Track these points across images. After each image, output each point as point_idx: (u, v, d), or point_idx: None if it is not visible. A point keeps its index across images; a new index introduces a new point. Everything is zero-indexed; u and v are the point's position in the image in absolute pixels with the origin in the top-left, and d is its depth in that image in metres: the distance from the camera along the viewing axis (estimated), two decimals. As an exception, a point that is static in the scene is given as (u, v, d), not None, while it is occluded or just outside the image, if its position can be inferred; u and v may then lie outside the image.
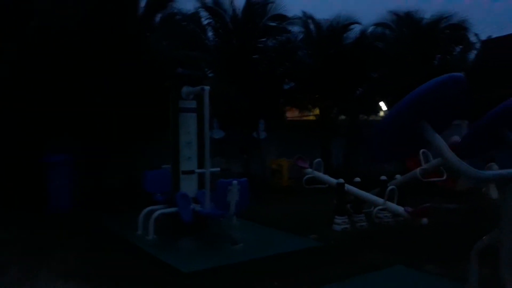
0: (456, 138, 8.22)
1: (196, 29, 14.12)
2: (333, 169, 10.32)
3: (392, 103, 17.35)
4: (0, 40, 9.81)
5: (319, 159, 9.53)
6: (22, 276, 5.91)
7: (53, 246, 7.24)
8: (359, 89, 16.69)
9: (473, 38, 17.10)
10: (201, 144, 7.90)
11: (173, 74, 8.49)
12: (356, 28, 15.92)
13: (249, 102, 13.13)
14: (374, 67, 16.30)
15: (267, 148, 14.80)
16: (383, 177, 9.09)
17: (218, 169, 8.00)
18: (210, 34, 14.87)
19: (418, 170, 8.79)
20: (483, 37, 17.59)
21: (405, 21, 16.45)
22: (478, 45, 17.43)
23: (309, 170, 9.39)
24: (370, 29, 16.05)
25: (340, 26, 15.69)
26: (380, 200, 8.26)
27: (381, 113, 19.03)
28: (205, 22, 14.60)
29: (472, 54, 17.48)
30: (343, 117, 16.82)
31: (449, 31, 16.63)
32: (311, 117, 16.48)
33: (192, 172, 7.81)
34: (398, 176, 9.40)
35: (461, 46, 17.14)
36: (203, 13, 14.45)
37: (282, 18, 15.04)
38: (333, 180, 8.86)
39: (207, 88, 7.57)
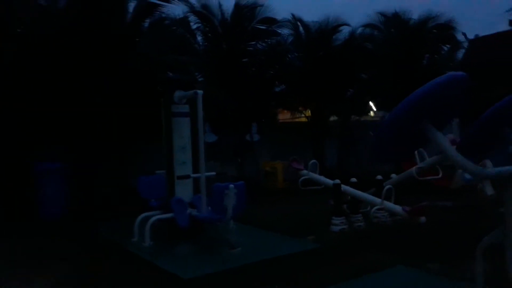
0: (452, 137, 8.25)
1: (185, 33, 14.06)
2: (326, 170, 10.30)
3: (382, 104, 17.48)
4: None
5: (314, 161, 9.51)
6: (19, 285, 5.78)
7: (47, 255, 7.10)
8: (350, 90, 16.73)
9: (460, 37, 17.26)
10: (195, 148, 7.84)
11: (165, 79, 8.43)
12: (345, 30, 16.00)
13: (240, 105, 13.09)
14: (363, 68, 16.36)
15: (260, 151, 14.76)
16: (379, 177, 9.08)
17: (214, 173, 7.92)
18: (199, 38, 14.84)
19: (414, 169, 8.79)
20: (471, 36, 17.72)
21: (393, 21, 16.57)
22: (465, 44, 17.58)
23: (305, 171, 9.36)
24: (359, 30, 16.13)
25: (329, 28, 15.74)
26: (378, 200, 8.24)
27: (372, 114, 19.13)
28: (194, 26, 14.56)
29: (460, 53, 17.63)
30: (335, 118, 16.84)
31: (437, 31, 16.75)
32: (303, 119, 16.46)
33: (187, 176, 7.73)
34: (393, 175, 9.39)
35: (449, 46, 17.28)
36: (192, 18, 14.41)
37: (271, 21, 15.04)
38: (329, 181, 8.83)
39: (200, 92, 7.51)
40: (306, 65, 15.50)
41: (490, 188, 9.96)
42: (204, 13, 14.32)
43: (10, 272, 6.29)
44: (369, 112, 18.74)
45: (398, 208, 7.93)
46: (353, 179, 8.94)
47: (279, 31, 15.41)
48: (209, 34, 14.69)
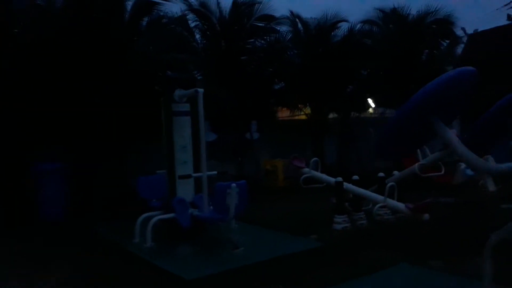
0: (454, 131, 8.20)
1: (184, 32, 13.94)
2: (326, 168, 10.24)
3: (381, 100, 17.43)
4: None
5: (316, 158, 9.45)
6: (19, 286, 5.73)
7: (47, 256, 7.05)
8: (349, 86, 16.66)
9: (459, 32, 17.22)
10: (196, 147, 7.78)
11: (165, 77, 8.35)
12: (344, 26, 15.89)
13: (240, 104, 13.02)
14: (363, 65, 16.29)
15: (260, 149, 14.71)
16: (381, 174, 9.03)
17: (215, 172, 7.86)
18: (197, 36, 14.71)
19: (416, 165, 8.74)
20: (470, 30, 17.69)
21: (392, 17, 16.51)
22: (465, 39, 17.54)
23: (306, 169, 9.30)
24: (358, 26, 16.04)
25: (328, 25, 15.61)
26: (380, 197, 8.19)
27: (370, 110, 19.08)
28: (193, 24, 14.42)
29: (460, 49, 17.59)
30: (335, 115, 16.77)
31: (436, 26, 16.69)
32: (302, 117, 16.40)
33: (189, 176, 7.66)
34: (396, 172, 9.34)
35: (447, 41, 17.23)
36: (190, 16, 14.28)
37: (269, 18, 14.92)
38: (331, 179, 8.78)
39: (201, 90, 7.45)
40: (305, 62, 15.40)
41: (492, 184, 9.97)
42: (202, 11, 14.21)
43: (10, 273, 6.25)
44: (368, 109, 18.68)
45: (401, 205, 7.87)
46: (355, 177, 8.88)
47: (278, 28, 15.28)
48: (208, 32, 14.58)
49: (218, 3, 14.39)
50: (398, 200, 8.14)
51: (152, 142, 10.72)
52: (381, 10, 16.47)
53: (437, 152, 8.92)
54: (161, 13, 12.53)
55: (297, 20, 15.67)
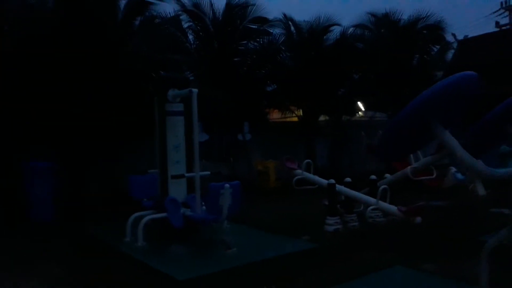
0: None
1: (177, 32, 13.92)
2: (318, 170, 10.25)
3: (372, 104, 17.53)
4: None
5: (309, 160, 9.47)
6: (9, 286, 5.65)
7: (39, 257, 6.95)
8: (341, 90, 16.73)
9: (450, 38, 17.40)
10: (189, 147, 7.74)
11: (158, 77, 8.31)
12: (336, 30, 15.96)
13: (232, 105, 13.00)
14: (354, 68, 16.38)
15: (251, 150, 14.69)
16: (373, 177, 9.06)
17: (208, 172, 7.84)
18: (190, 37, 14.69)
19: (409, 168, 8.79)
20: (460, 36, 17.89)
21: (383, 22, 16.63)
22: (455, 45, 17.72)
23: (299, 171, 9.31)
24: (350, 30, 16.12)
25: (320, 28, 15.68)
26: (373, 199, 8.22)
27: (360, 114, 19.16)
28: (186, 25, 14.41)
29: (450, 54, 17.76)
30: (326, 117, 16.82)
31: (427, 32, 16.87)
32: (294, 119, 16.42)
33: (182, 176, 7.62)
34: (387, 175, 9.39)
35: (438, 46, 17.41)
36: (183, 17, 14.26)
37: (262, 20, 14.95)
38: (324, 181, 8.79)
39: (195, 90, 7.43)
40: (298, 65, 15.45)
41: (482, 188, 10.05)
42: (196, 12, 14.19)
43: (4, 275, 6.13)
44: (358, 112, 18.75)
45: (393, 208, 7.91)
46: (348, 179, 8.90)
47: (271, 31, 15.34)
48: (201, 33, 14.57)
49: (212, 4, 14.43)
50: (390, 203, 8.18)
51: (144, 142, 10.70)
52: (373, 15, 16.59)
53: (429, 156, 8.99)
54: (154, 13, 12.51)
55: (290, 23, 15.71)
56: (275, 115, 17.06)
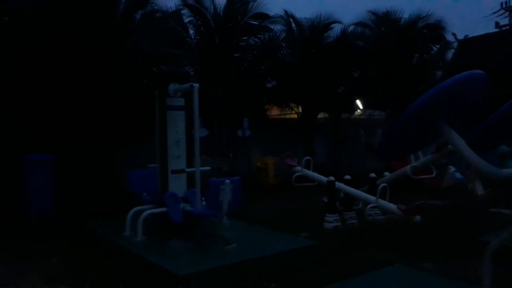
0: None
1: (178, 27, 13.87)
2: (317, 167, 10.24)
3: (371, 102, 17.53)
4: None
5: (308, 157, 9.46)
6: (8, 282, 5.62)
7: (37, 251, 6.92)
8: (341, 87, 16.72)
9: (450, 38, 17.39)
10: (189, 142, 7.72)
11: (160, 72, 8.28)
12: (337, 27, 15.93)
13: (232, 100, 12.98)
14: (355, 66, 16.38)
15: (251, 146, 14.68)
16: (372, 175, 9.07)
17: (209, 168, 7.83)
18: (191, 32, 14.62)
19: (408, 167, 8.80)
20: (461, 36, 17.89)
21: (384, 20, 16.61)
22: (455, 45, 17.71)
23: (298, 168, 9.31)
24: (351, 28, 16.09)
25: (321, 25, 15.64)
26: (372, 197, 8.22)
27: (358, 112, 19.16)
28: (187, 20, 14.35)
29: (450, 54, 17.76)
30: (325, 115, 16.82)
31: (427, 31, 16.85)
32: (294, 116, 16.41)
33: (182, 171, 7.61)
34: (387, 173, 9.40)
35: (438, 46, 17.39)
36: (185, 11, 14.19)
37: (263, 16, 14.90)
38: (324, 178, 8.78)
39: (196, 85, 7.41)
40: (298, 62, 15.42)
41: (480, 188, 10.08)
42: (197, 7, 14.13)
43: (2, 269, 6.09)
44: (356, 110, 18.76)
45: (393, 206, 7.92)
46: (347, 177, 8.90)
47: (272, 27, 15.28)
48: (202, 28, 14.50)
49: (213, 0, 14.35)
50: (389, 201, 8.18)
51: (143, 137, 10.67)
52: (374, 13, 16.57)
53: (429, 154, 9.00)
54: (156, 7, 12.43)
55: (291, 19, 15.67)
56: (275, 112, 17.06)
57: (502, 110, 3.92)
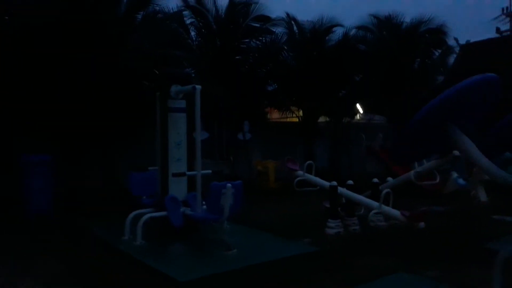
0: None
1: (179, 28, 13.77)
2: (318, 171, 10.16)
3: (372, 106, 17.46)
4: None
5: (310, 161, 9.36)
6: (5, 283, 5.52)
7: (35, 252, 6.83)
8: (342, 91, 16.65)
9: (452, 42, 17.36)
10: (190, 145, 7.62)
11: (161, 73, 8.18)
12: (339, 31, 15.88)
13: (233, 103, 12.89)
14: (356, 70, 16.32)
15: (251, 150, 14.59)
16: (375, 180, 8.96)
17: (210, 171, 7.72)
18: (192, 33, 14.54)
19: (412, 173, 8.70)
20: (463, 41, 17.85)
21: (386, 24, 16.58)
22: (457, 49, 17.68)
23: (300, 172, 9.21)
24: (352, 31, 16.04)
25: (323, 29, 15.63)
26: (376, 203, 8.11)
27: (358, 116, 19.11)
28: (188, 21, 14.28)
29: (451, 58, 17.73)
30: (325, 119, 16.75)
31: (429, 35, 16.83)
32: (294, 119, 16.33)
33: (183, 174, 7.49)
34: (389, 179, 9.30)
35: (440, 50, 17.36)
36: (186, 13, 14.11)
37: (265, 19, 14.84)
38: (326, 183, 8.68)
39: (198, 87, 7.31)
40: (299, 65, 15.37)
41: (483, 194, 10.01)
42: (199, 8, 14.06)
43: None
44: (356, 114, 18.72)
45: (396, 212, 7.81)
46: (350, 182, 8.78)
47: (273, 30, 15.24)
48: (203, 30, 14.42)
49: (215, 1, 14.30)
50: (392, 207, 8.08)
51: (143, 138, 10.58)
52: (376, 17, 16.56)
53: (433, 160, 8.90)
54: (157, 8, 12.37)
55: (292, 22, 15.64)
56: (275, 115, 16.98)
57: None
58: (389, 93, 15.78)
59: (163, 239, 7.34)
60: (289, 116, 16.31)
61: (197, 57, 13.74)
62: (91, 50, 9.98)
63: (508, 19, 28.06)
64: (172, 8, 13.33)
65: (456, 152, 7.94)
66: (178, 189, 7.64)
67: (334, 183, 8.38)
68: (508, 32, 25.65)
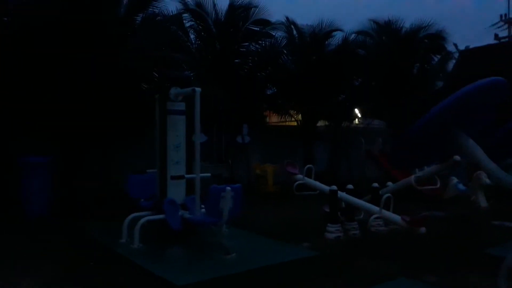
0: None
1: (178, 31, 13.74)
2: (317, 175, 10.11)
3: (370, 111, 17.44)
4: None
5: (310, 165, 9.30)
6: (5, 283, 5.46)
7: (34, 253, 6.78)
8: (341, 95, 16.64)
9: (451, 48, 17.37)
10: (189, 148, 7.57)
11: (161, 75, 8.12)
12: (338, 35, 15.88)
13: (232, 106, 12.85)
14: (355, 74, 16.32)
15: (250, 153, 14.54)
16: (375, 185, 8.90)
17: (209, 174, 7.66)
18: (192, 36, 14.51)
19: (412, 177, 8.66)
20: (462, 46, 17.85)
21: (385, 29, 16.59)
22: (456, 55, 17.69)
23: (300, 176, 9.15)
24: (352, 36, 16.05)
25: (323, 33, 15.62)
26: (376, 208, 8.05)
27: (356, 121, 19.10)
28: (188, 24, 14.25)
29: (451, 64, 17.73)
30: (324, 123, 16.73)
31: (428, 41, 16.84)
32: (293, 123, 16.30)
33: (182, 177, 7.43)
34: (390, 183, 9.24)
35: (439, 56, 17.37)
36: (186, 16, 14.08)
37: (265, 23, 14.83)
38: (326, 187, 8.61)
39: (198, 89, 7.26)
40: (299, 69, 15.36)
41: (483, 200, 9.96)
42: (198, 11, 14.02)
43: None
44: (355, 118, 18.71)
45: (397, 217, 7.74)
46: (350, 186, 8.72)
47: (273, 33, 15.24)
48: (203, 33, 14.39)
49: (214, 5, 14.28)
50: (392, 212, 8.02)
51: (142, 140, 10.53)
52: (375, 22, 16.58)
53: (434, 165, 8.86)
54: (157, 11, 12.32)
55: (292, 26, 15.63)
56: (274, 119, 16.94)
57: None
58: (388, 98, 15.77)
59: (161, 242, 7.26)
60: (288, 120, 16.28)
61: (197, 60, 13.71)
62: (91, 50, 9.93)
63: (506, 25, 28.14)
64: (172, 11, 13.31)
65: (456, 158, 7.92)
66: (176, 192, 7.58)
67: (334, 187, 8.32)
68: (507, 39, 25.71)
